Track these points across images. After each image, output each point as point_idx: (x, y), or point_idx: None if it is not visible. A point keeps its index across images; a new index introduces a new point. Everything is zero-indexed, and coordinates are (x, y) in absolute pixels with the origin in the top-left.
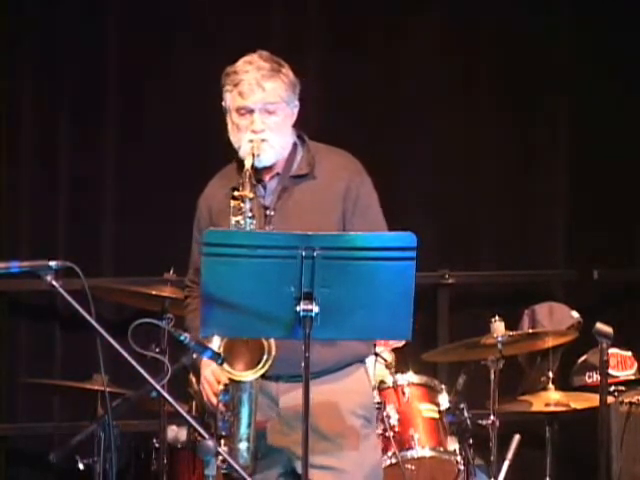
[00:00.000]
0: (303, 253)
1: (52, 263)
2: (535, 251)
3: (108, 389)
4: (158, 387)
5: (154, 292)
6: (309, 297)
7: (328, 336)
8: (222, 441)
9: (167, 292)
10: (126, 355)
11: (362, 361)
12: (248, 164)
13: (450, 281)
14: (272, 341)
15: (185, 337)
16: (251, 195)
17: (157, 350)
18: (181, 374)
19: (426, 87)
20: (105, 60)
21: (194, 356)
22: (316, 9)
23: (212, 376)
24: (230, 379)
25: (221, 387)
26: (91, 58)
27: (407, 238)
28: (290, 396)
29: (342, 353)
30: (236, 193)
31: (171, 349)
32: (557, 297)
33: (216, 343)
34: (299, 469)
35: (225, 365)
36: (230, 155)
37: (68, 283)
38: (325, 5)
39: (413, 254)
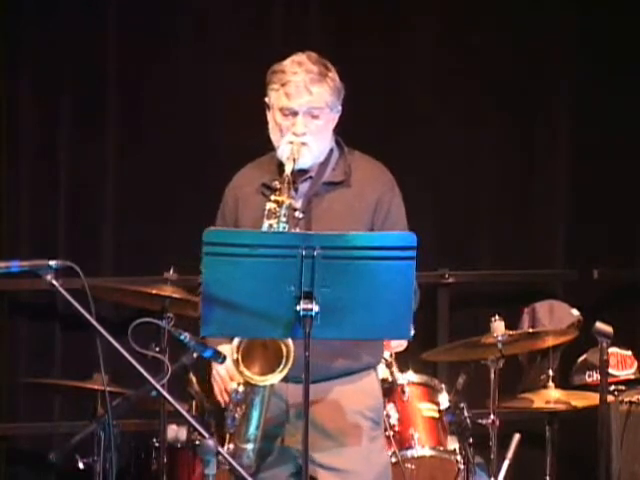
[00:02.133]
0: (303, 252)
1: (52, 263)
2: (535, 251)
3: (108, 389)
4: (158, 387)
5: (154, 292)
6: (309, 296)
7: (328, 336)
8: (228, 438)
9: (167, 292)
10: (126, 355)
11: (374, 367)
12: (288, 170)
13: (450, 281)
14: (291, 346)
15: (185, 337)
16: (288, 202)
17: (157, 350)
18: (181, 374)
19: (426, 87)
20: (105, 60)
21: (194, 355)
22: (316, 8)
23: (226, 373)
24: (246, 382)
25: (234, 386)
26: (91, 58)
27: (407, 238)
28: (299, 397)
29: (352, 362)
30: (273, 197)
31: (171, 349)
32: (557, 297)
33: (227, 347)
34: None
35: (243, 369)
36: (230, 156)
37: (68, 283)
38: (325, 4)
39: (413, 254)
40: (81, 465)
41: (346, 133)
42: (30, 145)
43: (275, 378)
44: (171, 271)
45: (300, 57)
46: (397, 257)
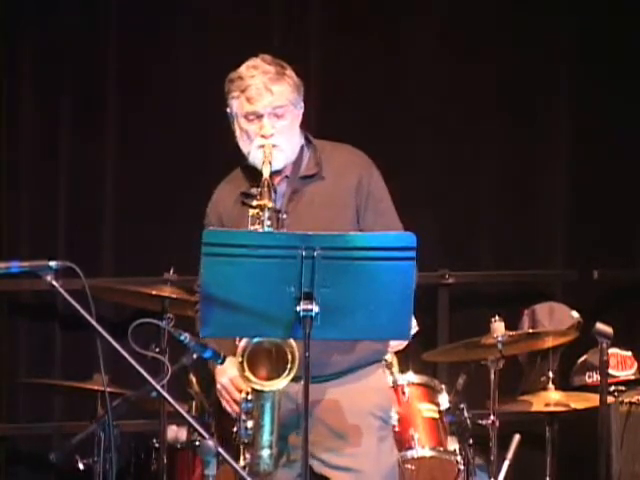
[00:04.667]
0: (303, 253)
1: (52, 263)
2: (535, 251)
3: (108, 389)
4: (158, 387)
5: (154, 292)
6: (309, 297)
7: (328, 336)
8: (242, 448)
9: (167, 292)
10: (126, 355)
11: (380, 360)
12: (266, 173)
13: (450, 281)
14: (295, 350)
15: (185, 337)
16: (270, 204)
17: (157, 350)
18: (181, 374)
19: (426, 87)
20: (105, 60)
21: (194, 356)
22: (316, 8)
23: (231, 384)
24: (253, 389)
25: (243, 395)
26: (91, 58)
27: (407, 238)
28: (310, 397)
29: (360, 356)
30: (255, 203)
31: (171, 349)
32: (557, 297)
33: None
34: (316, 468)
35: (249, 375)
36: (230, 156)
37: (68, 283)
38: (325, 4)
39: (413, 254)
40: (81, 466)
41: (346, 132)
42: (30, 145)
43: (281, 383)
44: (171, 272)
45: (254, 61)
46: (397, 257)
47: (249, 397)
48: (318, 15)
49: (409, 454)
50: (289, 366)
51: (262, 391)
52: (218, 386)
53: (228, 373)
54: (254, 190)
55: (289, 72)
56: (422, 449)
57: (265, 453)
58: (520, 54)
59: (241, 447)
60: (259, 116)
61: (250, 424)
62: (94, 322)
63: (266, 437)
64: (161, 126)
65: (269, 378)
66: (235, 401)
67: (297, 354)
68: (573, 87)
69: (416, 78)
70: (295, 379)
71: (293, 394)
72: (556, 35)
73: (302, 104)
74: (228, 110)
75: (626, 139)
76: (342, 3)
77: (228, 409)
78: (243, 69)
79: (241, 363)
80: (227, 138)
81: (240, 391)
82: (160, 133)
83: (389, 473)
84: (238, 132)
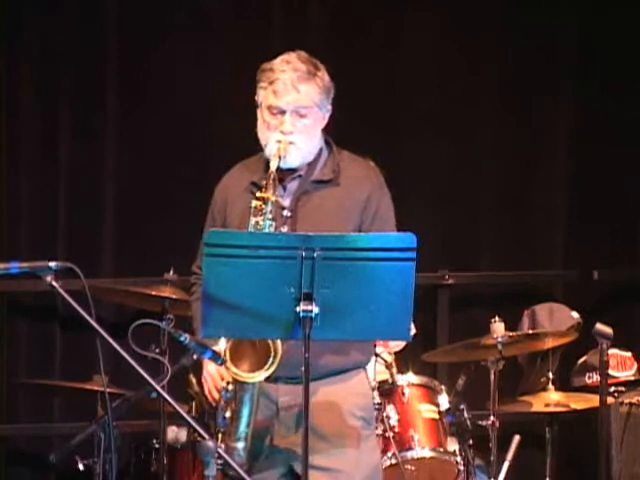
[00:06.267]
0: (303, 254)
1: (52, 263)
2: (535, 251)
3: (108, 390)
4: (158, 388)
5: (154, 292)
6: (309, 298)
7: (328, 336)
8: (219, 437)
9: (167, 292)
10: (126, 356)
11: (363, 366)
12: (274, 166)
13: (450, 281)
14: (278, 343)
15: (185, 338)
16: (274, 198)
17: (157, 351)
18: (181, 375)
19: (426, 86)
20: (105, 60)
21: (194, 357)
22: (316, 8)
23: (216, 372)
24: (235, 379)
25: (224, 384)
26: (91, 58)
27: (407, 239)
28: (289, 397)
29: (344, 361)
30: (258, 194)
31: (171, 350)
32: (557, 297)
33: (222, 344)
34: (298, 469)
35: (231, 365)
36: (230, 156)
37: (68, 283)
38: (325, 4)
39: (413, 255)
40: (81, 466)
41: (346, 132)
42: (30, 145)
43: (262, 375)
44: (171, 272)
45: (289, 56)
46: (397, 258)
47: (229, 387)
48: (318, 15)
49: (409, 455)
50: (271, 359)
51: (244, 382)
52: (204, 374)
53: None
54: (264, 182)
55: (321, 73)
56: (422, 450)
57: (240, 445)
58: (520, 54)
59: (218, 436)
60: (282, 111)
61: (228, 414)
62: (94, 323)
63: (242, 429)
64: (161, 126)
65: (251, 370)
66: (217, 389)
67: (279, 347)
68: (573, 87)
69: (416, 77)
70: (273, 379)
71: (272, 394)
72: (556, 35)
73: (329, 107)
74: (256, 98)
75: (626, 139)
76: (342, 2)
77: (209, 398)
78: (277, 62)
79: (224, 353)
80: (227, 138)
81: (222, 379)
82: (160, 133)
83: (370, 473)
84: (260, 122)
